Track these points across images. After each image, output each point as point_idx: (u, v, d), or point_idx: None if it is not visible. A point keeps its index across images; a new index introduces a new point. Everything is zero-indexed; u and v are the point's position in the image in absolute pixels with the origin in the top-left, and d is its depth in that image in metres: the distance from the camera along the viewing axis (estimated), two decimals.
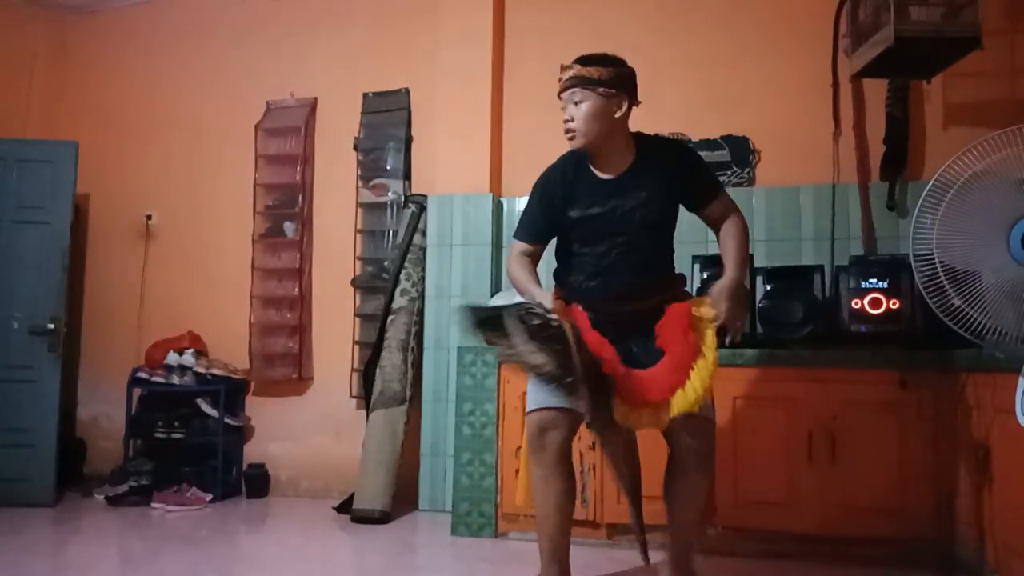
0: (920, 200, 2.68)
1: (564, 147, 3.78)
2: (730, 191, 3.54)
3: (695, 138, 3.65)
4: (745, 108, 3.59)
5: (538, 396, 2.17)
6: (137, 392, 4.20)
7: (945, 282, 2.59)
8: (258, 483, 4.10)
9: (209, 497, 3.88)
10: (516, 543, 3.06)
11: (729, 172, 3.59)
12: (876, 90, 3.40)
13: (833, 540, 2.79)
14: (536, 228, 2.33)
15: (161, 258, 4.55)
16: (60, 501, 3.89)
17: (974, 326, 2.53)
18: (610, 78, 2.26)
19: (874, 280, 2.97)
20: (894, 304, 2.94)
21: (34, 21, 4.72)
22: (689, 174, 2.35)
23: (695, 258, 3.27)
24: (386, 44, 4.22)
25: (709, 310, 2.15)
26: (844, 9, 3.33)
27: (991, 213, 2.56)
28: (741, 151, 3.58)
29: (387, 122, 4.16)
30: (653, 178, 2.28)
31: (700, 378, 2.06)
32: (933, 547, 2.69)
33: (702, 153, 3.62)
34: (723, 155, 3.61)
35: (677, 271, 2.42)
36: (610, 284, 2.21)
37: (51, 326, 3.94)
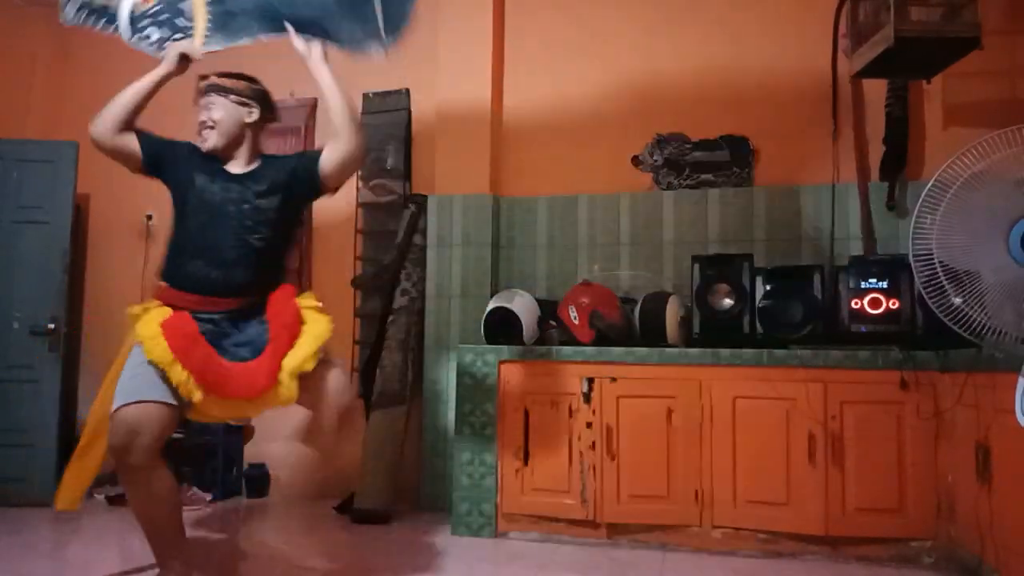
0: (920, 200, 2.68)
1: (563, 149, 3.84)
2: (730, 191, 3.57)
3: (694, 138, 3.65)
4: (744, 108, 3.59)
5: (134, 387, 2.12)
6: None
7: (945, 282, 2.59)
8: (258, 483, 4.10)
9: (209, 497, 3.88)
10: (516, 543, 3.06)
11: (729, 172, 3.60)
12: (876, 90, 3.40)
13: (833, 540, 2.79)
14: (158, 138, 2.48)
15: (161, 258, 4.54)
16: None
17: (974, 326, 2.53)
18: (244, 90, 2.46)
19: (874, 280, 2.98)
20: (894, 304, 2.94)
21: (35, 21, 4.71)
22: (294, 161, 2.50)
23: (695, 258, 3.27)
24: None
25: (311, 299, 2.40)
26: (844, 9, 3.33)
27: (991, 213, 2.56)
28: (741, 151, 3.58)
29: (387, 122, 4.15)
30: (272, 178, 2.41)
31: (289, 366, 2.22)
32: (933, 547, 2.70)
33: (701, 153, 3.65)
34: (722, 155, 3.61)
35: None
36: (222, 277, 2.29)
37: (51, 326, 3.94)
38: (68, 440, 4.26)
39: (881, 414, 2.77)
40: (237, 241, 2.28)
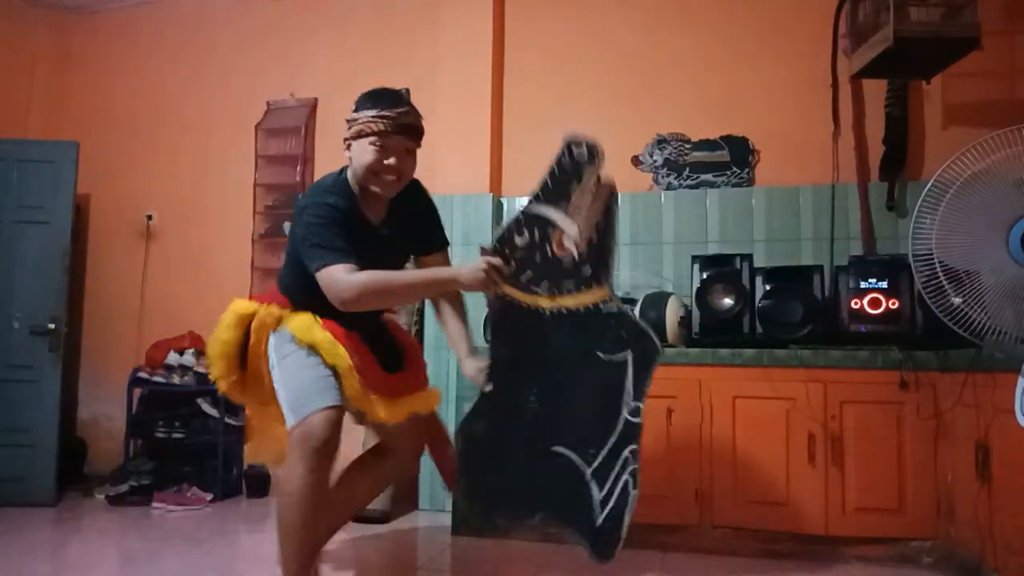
0: (919, 200, 2.68)
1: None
2: (730, 191, 3.57)
3: (694, 138, 3.66)
4: (744, 108, 3.60)
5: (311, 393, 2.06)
6: (137, 392, 4.20)
7: (944, 282, 2.59)
8: (258, 483, 4.10)
9: (209, 497, 3.88)
10: (516, 543, 3.06)
11: (728, 172, 3.60)
12: (875, 90, 3.40)
13: (833, 540, 2.79)
14: (350, 247, 2.05)
15: (162, 258, 4.55)
16: (61, 501, 3.89)
17: (973, 326, 2.53)
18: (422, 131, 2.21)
19: (873, 280, 2.98)
20: (893, 304, 2.94)
21: (35, 21, 4.72)
22: (427, 222, 2.38)
23: (695, 258, 3.27)
24: (387, 45, 4.22)
25: None
26: (843, 9, 3.34)
27: (990, 213, 2.57)
28: (741, 151, 3.59)
29: None
30: (407, 220, 2.30)
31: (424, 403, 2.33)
32: (932, 547, 2.70)
33: (701, 153, 3.65)
34: (723, 155, 3.61)
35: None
36: (360, 317, 2.15)
37: (52, 326, 3.94)
38: (68, 439, 4.28)
39: (881, 414, 2.77)
40: None
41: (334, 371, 2.10)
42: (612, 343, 2.01)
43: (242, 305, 2.25)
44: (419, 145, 2.18)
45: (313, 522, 2.05)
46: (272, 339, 2.19)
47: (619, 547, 2.00)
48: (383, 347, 2.28)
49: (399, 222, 2.26)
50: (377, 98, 2.13)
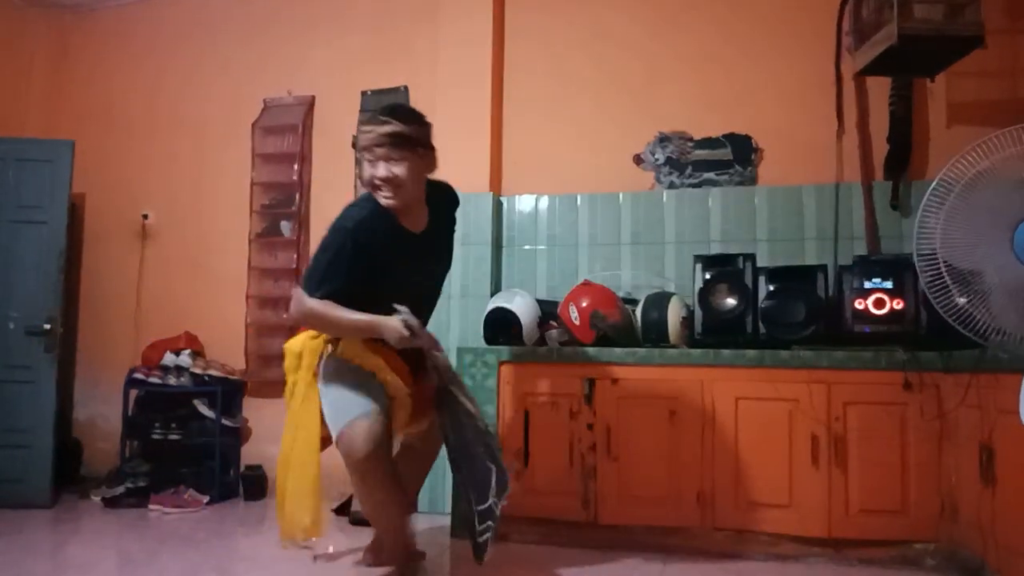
0: (924, 199, 2.66)
1: (563, 147, 3.82)
2: (732, 190, 3.55)
3: (697, 136, 3.64)
4: (747, 106, 3.57)
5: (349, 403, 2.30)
6: (134, 393, 4.18)
7: (949, 282, 2.57)
8: (255, 485, 4.07)
9: (206, 499, 3.86)
10: (516, 544, 3.04)
11: (731, 171, 3.58)
12: (879, 88, 3.38)
13: (835, 542, 2.77)
14: (341, 282, 2.27)
15: (158, 258, 4.53)
16: (57, 503, 3.87)
17: (978, 326, 2.51)
18: (425, 137, 2.31)
19: (877, 280, 2.96)
20: (898, 304, 2.92)
21: (32, 20, 4.70)
22: (454, 218, 2.58)
23: (697, 258, 3.25)
24: (385, 43, 4.20)
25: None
26: (847, 7, 3.32)
27: (995, 212, 2.55)
28: (743, 150, 3.57)
29: None
30: (445, 232, 2.52)
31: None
32: (936, 549, 2.68)
33: (703, 152, 3.63)
34: (725, 153, 3.59)
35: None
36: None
37: (47, 326, 3.92)
38: (64, 440, 4.25)
39: (884, 415, 2.75)
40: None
41: (373, 377, 2.32)
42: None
43: (294, 344, 2.49)
44: (412, 151, 2.25)
45: (390, 494, 2.34)
46: (320, 365, 2.40)
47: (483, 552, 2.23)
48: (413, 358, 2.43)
49: (439, 226, 2.44)
50: (370, 112, 2.33)
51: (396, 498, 2.36)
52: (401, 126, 2.22)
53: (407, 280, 2.37)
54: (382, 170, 2.21)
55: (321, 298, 2.23)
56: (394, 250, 2.30)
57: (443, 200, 2.49)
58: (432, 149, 2.34)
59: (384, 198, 2.26)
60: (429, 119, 2.37)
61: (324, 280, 2.24)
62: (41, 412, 3.86)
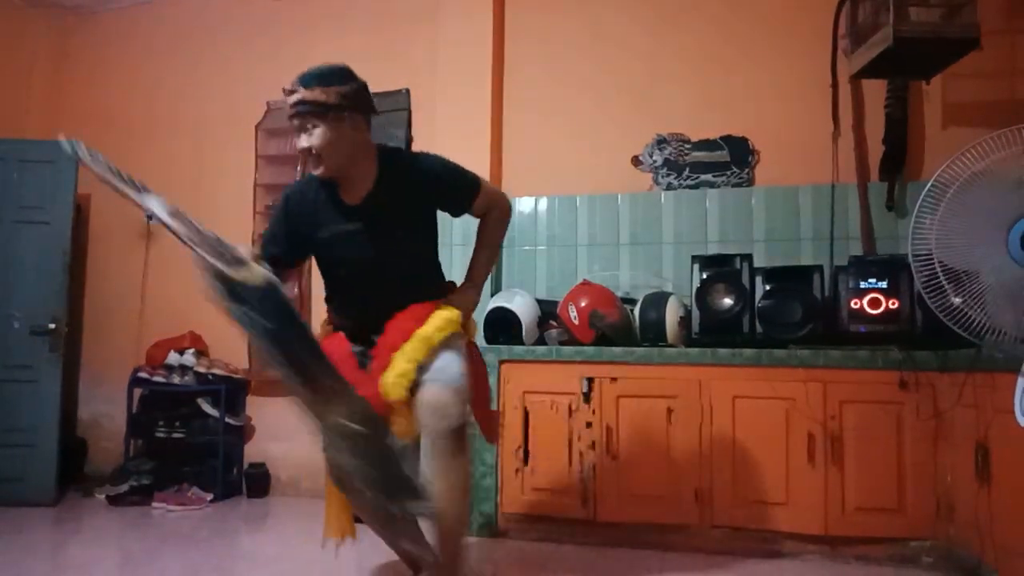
0: (919, 200, 2.68)
1: (563, 148, 3.84)
2: (730, 191, 3.57)
3: (694, 138, 3.66)
4: (744, 108, 3.60)
5: None
6: (138, 392, 4.20)
7: (944, 282, 2.59)
8: (259, 483, 4.11)
9: (210, 497, 3.88)
10: (516, 543, 3.07)
11: (728, 172, 3.60)
12: (875, 90, 3.40)
13: (832, 540, 2.79)
14: (281, 249, 2.22)
15: (162, 258, 4.55)
16: (61, 501, 3.90)
17: (973, 326, 2.53)
18: (341, 99, 2.06)
19: (873, 280, 2.98)
20: (893, 304, 2.94)
21: (34, 21, 4.72)
22: (435, 188, 2.24)
23: (694, 258, 3.27)
24: (387, 45, 4.21)
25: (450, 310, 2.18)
26: (843, 10, 3.34)
27: (990, 213, 2.56)
28: (740, 151, 3.59)
29: (387, 122, 4.15)
30: (398, 199, 2.17)
31: (406, 355, 2.05)
32: (932, 547, 2.70)
33: (701, 153, 3.65)
34: (722, 155, 3.61)
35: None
36: (367, 308, 2.18)
37: (52, 326, 3.94)
38: (69, 439, 4.28)
39: (880, 414, 2.77)
40: None
41: None
42: None
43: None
44: (322, 117, 2.06)
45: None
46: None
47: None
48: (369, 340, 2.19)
49: (390, 199, 2.16)
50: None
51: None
52: (305, 92, 2.06)
53: (357, 255, 2.16)
54: (302, 141, 2.09)
55: (266, 261, 2.11)
56: (324, 219, 2.16)
57: (403, 168, 2.23)
58: (355, 111, 2.10)
59: (313, 168, 2.14)
60: (355, 76, 2.14)
61: (264, 244, 2.26)
62: (45, 411, 3.89)
